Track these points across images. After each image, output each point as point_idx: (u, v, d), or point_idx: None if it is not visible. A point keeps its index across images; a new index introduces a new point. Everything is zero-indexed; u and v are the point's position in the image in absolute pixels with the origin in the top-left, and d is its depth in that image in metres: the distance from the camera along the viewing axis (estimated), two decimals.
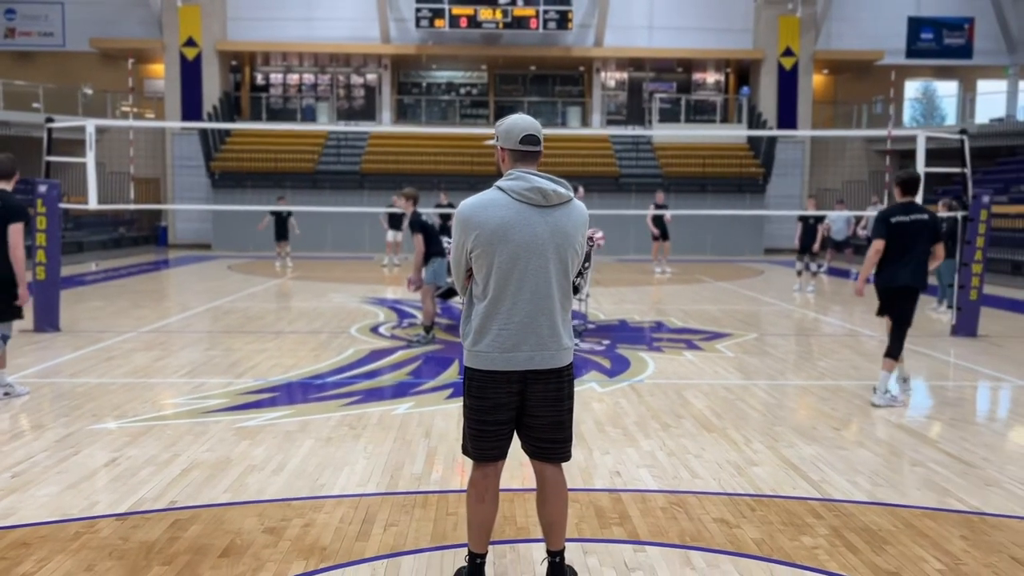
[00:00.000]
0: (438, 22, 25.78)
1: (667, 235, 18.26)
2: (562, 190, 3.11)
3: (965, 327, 10.00)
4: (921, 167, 9.85)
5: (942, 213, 11.56)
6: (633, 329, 10.32)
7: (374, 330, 10.03)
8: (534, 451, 3.23)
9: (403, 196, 9.09)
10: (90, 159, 9.46)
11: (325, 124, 28.12)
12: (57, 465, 4.84)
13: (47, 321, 9.45)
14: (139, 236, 26.53)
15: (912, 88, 30.84)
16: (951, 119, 29.60)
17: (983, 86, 29.81)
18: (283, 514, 4.13)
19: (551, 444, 3.20)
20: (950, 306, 11.47)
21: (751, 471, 4.87)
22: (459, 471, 4.84)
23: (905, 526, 4.07)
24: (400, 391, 6.86)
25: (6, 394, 6.45)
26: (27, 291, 6.41)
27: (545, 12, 25.86)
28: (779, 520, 4.11)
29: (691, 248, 24.21)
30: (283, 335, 9.60)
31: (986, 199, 9.91)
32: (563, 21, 26.00)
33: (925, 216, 6.50)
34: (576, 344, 8.85)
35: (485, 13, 25.71)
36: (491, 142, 3.25)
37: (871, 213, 16.63)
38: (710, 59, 28.87)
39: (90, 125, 9.43)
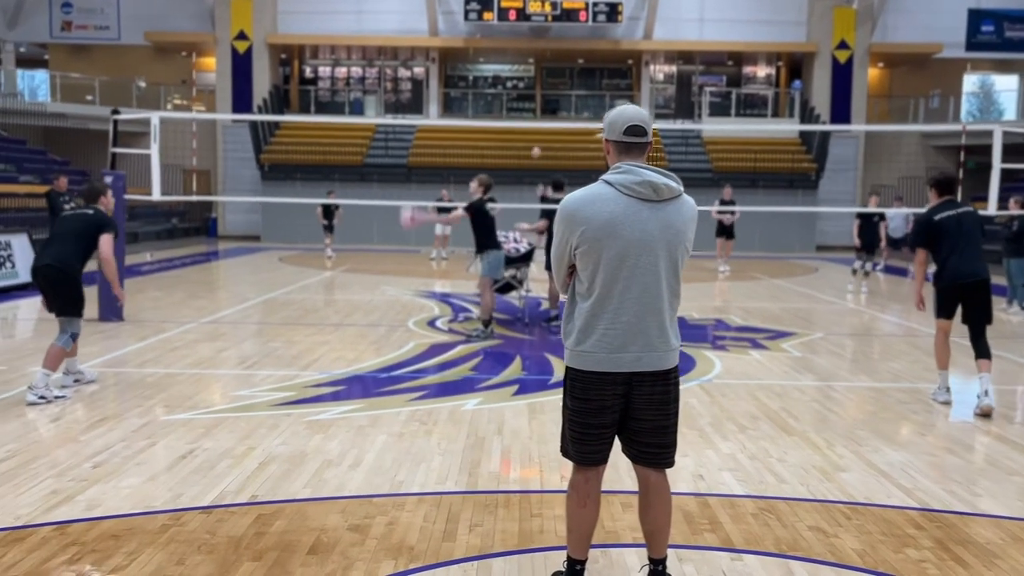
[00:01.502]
0: (487, 15, 25.72)
1: (731, 233, 17.82)
2: (673, 184, 2.98)
3: None
4: (997, 163, 9.51)
5: (1014, 211, 11.19)
6: (693, 326, 10.13)
7: (431, 324, 9.99)
8: (637, 456, 3.12)
9: (477, 180, 9.03)
10: (154, 151, 9.54)
11: (373, 118, 28.24)
12: (136, 456, 4.85)
13: (111, 311, 9.56)
14: (190, 227, 26.93)
15: (969, 82, 30.00)
16: (1009, 114, 28.74)
17: None
18: (366, 511, 4.07)
19: (656, 449, 3.08)
20: (1022, 306, 11.09)
21: (839, 477, 4.70)
22: (537, 470, 4.75)
23: (1012, 539, 3.88)
24: (466, 386, 6.79)
25: (76, 380, 6.54)
26: (121, 291, 6.81)
27: (595, 5, 25.64)
28: (878, 530, 3.95)
29: (741, 244, 23.79)
30: (342, 328, 9.60)
31: None
32: (613, 14, 25.76)
33: (971, 208, 6.32)
34: None
35: (534, 6, 25.57)
36: (600, 135, 3.12)
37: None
38: (761, 52, 28.38)
39: (155, 117, 9.51)
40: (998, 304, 12.26)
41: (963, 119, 28.26)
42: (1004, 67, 29.03)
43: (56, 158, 24.30)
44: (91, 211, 6.43)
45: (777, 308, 12.08)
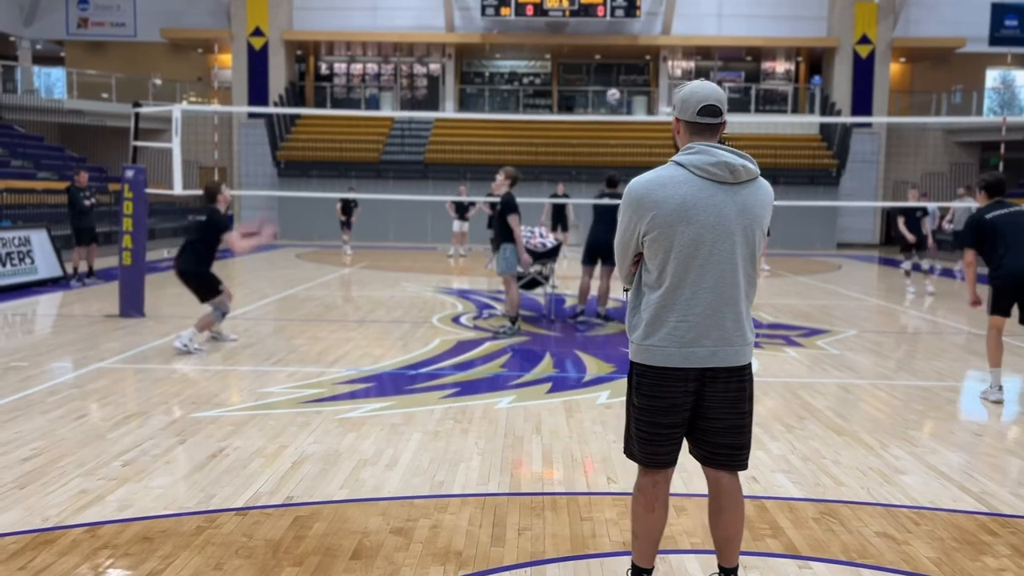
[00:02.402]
0: (504, 10, 25.47)
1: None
2: (751, 165, 2.78)
3: None
4: None
5: None
6: None
7: (455, 320, 9.81)
8: (708, 457, 2.91)
9: (504, 172, 8.82)
10: (176, 144, 9.39)
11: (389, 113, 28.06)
12: (164, 455, 4.68)
13: (132, 306, 9.44)
14: None
15: (991, 77, 29.54)
16: None
17: None
18: (407, 513, 3.89)
19: (730, 450, 2.87)
20: None
21: (899, 480, 4.48)
22: (582, 472, 4.55)
23: None
24: (497, 384, 6.60)
25: (214, 338, 7.97)
26: (256, 240, 7.91)
27: (612, 0, 25.36)
28: (950, 536, 3.73)
29: None
30: (366, 324, 9.43)
31: None
32: (631, 9, 25.48)
33: (1022, 207, 6.20)
34: None
35: (551, 1, 25.32)
36: (668, 112, 2.92)
37: (958, 205, 15.83)
38: (780, 47, 28.04)
39: (176, 110, 9.36)
40: None
41: (985, 115, 27.84)
42: None
43: (73, 155, 24.26)
44: (203, 218, 7.71)
45: (805, 305, 11.83)
